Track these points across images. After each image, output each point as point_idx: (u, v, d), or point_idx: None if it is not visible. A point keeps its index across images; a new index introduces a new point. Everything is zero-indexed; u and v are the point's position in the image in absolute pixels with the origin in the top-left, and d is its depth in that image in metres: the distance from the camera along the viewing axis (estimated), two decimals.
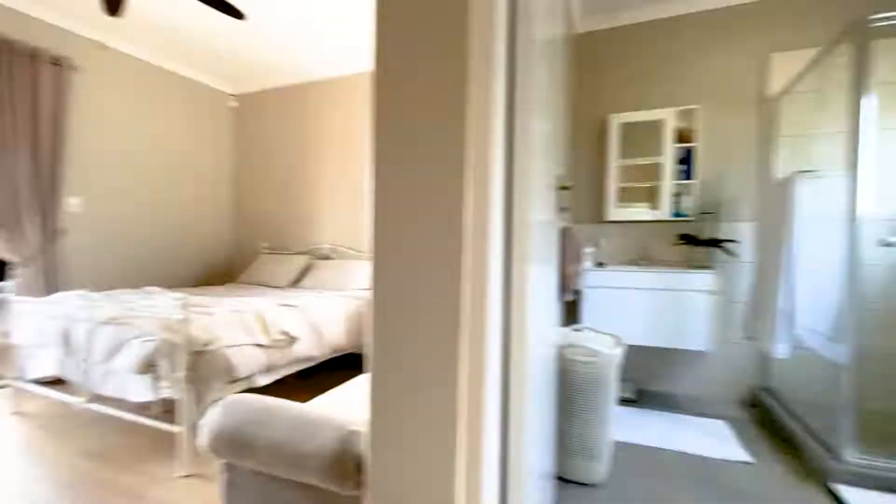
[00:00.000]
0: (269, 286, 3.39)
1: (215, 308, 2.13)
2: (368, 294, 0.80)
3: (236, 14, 2.25)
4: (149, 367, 1.73)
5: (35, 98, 2.66)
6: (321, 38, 3.12)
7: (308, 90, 3.81)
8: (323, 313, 2.48)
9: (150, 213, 3.49)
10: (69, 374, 2.04)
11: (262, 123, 4.08)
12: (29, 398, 2.39)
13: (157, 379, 1.74)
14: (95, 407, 1.97)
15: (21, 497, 1.59)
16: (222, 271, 4.14)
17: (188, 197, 3.77)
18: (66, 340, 2.00)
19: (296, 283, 3.44)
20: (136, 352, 1.75)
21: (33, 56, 2.65)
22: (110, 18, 2.88)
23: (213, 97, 3.99)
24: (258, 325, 2.05)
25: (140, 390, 1.81)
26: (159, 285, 3.56)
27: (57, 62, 2.77)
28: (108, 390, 1.92)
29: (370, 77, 0.82)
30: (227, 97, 4.11)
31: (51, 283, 2.73)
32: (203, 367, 1.72)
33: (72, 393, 2.04)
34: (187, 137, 3.75)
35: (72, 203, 2.95)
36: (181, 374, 1.65)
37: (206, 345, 1.73)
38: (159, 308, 1.91)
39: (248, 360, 1.90)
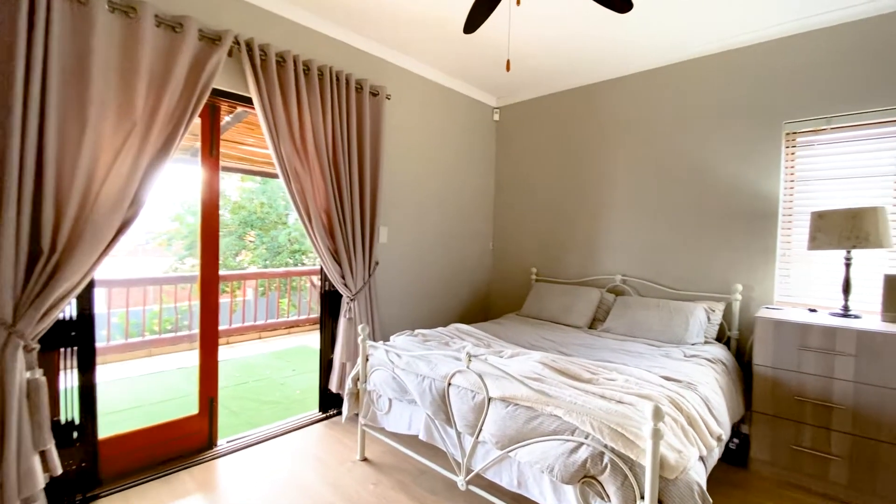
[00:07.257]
0: (563, 324, 2.92)
1: (609, 383, 1.65)
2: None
3: (621, 6, 1.75)
4: (581, 478, 1.31)
5: (360, 129, 2.65)
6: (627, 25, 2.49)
7: (591, 92, 3.26)
8: (711, 392, 1.83)
9: (433, 239, 3.37)
10: (439, 444, 1.80)
11: (524, 135, 3.70)
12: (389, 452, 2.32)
13: (594, 496, 1.31)
14: (481, 492, 1.67)
15: None
16: (483, 299, 3.89)
17: (454, 218, 3.57)
18: (436, 405, 1.75)
19: (593, 322, 2.92)
20: (560, 456, 1.35)
21: (359, 89, 2.63)
22: (404, 36, 2.74)
23: (481, 111, 3.76)
24: (687, 423, 1.49)
25: (556, 498, 1.41)
26: (438, 317, 3.45)
27: (376, 93, 2.73)
28: (502, 480, 1.59)
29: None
30: (491, 110, 3.85)
31: (369, 318, 2.70)
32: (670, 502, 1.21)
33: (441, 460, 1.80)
34: (458, 156, 3.56)
35: (382, 233, 2.93)
36: None
37: (680, 471, 1.22)
38: (572, 390, 1.51)
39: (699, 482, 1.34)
